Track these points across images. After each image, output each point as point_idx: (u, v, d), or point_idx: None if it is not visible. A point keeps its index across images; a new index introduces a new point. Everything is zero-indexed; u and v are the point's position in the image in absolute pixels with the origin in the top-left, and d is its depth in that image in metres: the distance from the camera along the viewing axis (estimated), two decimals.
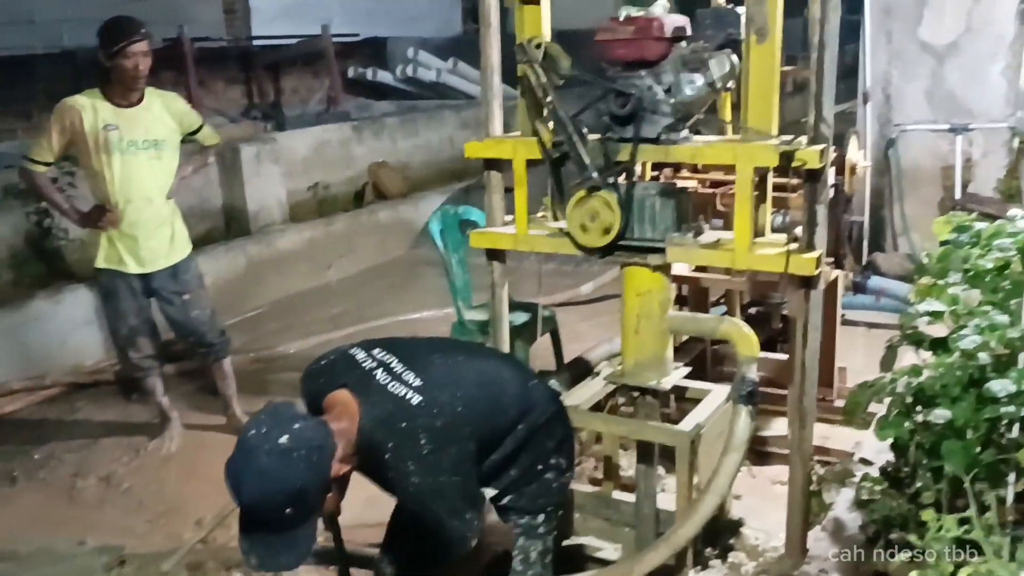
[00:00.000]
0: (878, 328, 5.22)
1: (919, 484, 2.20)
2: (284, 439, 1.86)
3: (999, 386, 2.00)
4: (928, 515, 1.73)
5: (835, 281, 4.12)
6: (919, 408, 2.12)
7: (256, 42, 9.83)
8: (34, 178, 4.09)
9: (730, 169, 3.88)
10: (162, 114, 4.14)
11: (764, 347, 3.21)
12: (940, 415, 1.99)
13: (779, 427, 4.13)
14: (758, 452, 4.06)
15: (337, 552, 2.61)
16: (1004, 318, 2.11)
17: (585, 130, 2.86)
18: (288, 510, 1.87)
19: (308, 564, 2.83)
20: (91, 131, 3.96)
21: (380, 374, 2.10)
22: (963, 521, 1.76)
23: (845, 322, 4.86)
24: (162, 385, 4.49)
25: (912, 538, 2.35)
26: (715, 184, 3.92)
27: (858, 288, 5.60)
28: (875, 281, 5.68)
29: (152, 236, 4.14)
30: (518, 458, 2.30)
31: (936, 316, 2.25)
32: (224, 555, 3.27)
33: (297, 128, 8.00)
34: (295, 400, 2.15)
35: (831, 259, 3.90)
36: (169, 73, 7.80)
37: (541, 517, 2.33)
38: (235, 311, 6.29)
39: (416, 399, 2.04)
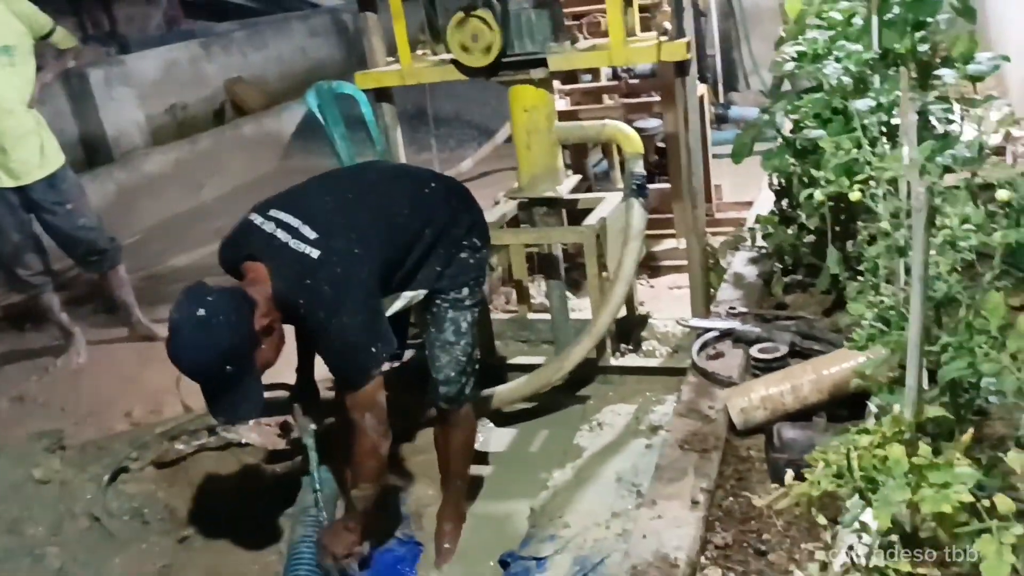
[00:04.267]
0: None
1: (802, 214, 2.46)
2: (201, 312, 2.09)
3: (862, 104, 2.25)
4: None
5: (702, 97, 4.37)
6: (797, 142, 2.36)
7: None
8: None
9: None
10: (8, 18, 3.95)
11: None
12: (814, 136, 2.23)
13: (668, 245, 4.42)
14: (652, 267, 4.35)
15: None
16: (858, 47, 2.36)
17: None
18: (228, 367, 2.12)
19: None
20: None
21: (280, 234, 2.25)
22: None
23: (713, 156, 5.11)
24: (58, 301, 4.40)
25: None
26: (577, 16, 4.06)
27: (721, 120, 5.91)
28: (735, 110, 6.01)
29: (19, 147, 3.99)
30: (432, 253, 2.45)
31: (801, 57, 2.49)
32: (165, 428, 3.30)
33: (143, 50, 7.69)
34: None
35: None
36: None
37: (465, 291, 2.50)
38: None
39: (315, 253, 2.20)
